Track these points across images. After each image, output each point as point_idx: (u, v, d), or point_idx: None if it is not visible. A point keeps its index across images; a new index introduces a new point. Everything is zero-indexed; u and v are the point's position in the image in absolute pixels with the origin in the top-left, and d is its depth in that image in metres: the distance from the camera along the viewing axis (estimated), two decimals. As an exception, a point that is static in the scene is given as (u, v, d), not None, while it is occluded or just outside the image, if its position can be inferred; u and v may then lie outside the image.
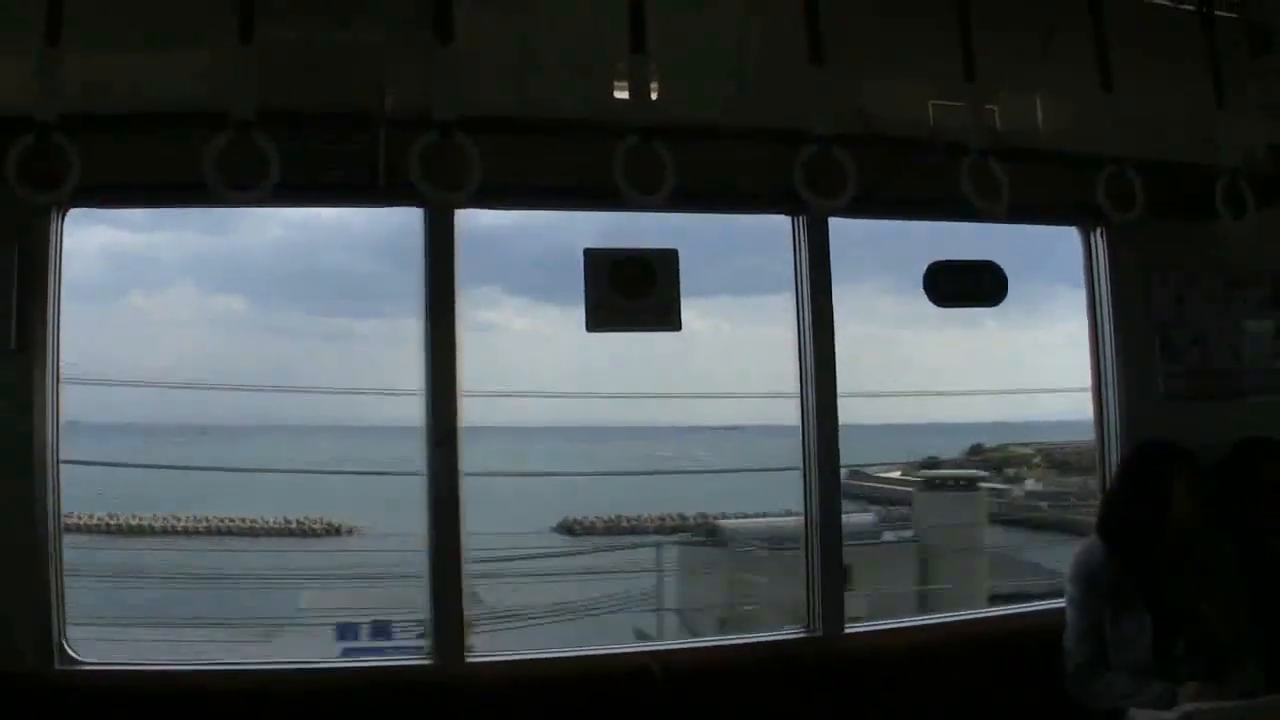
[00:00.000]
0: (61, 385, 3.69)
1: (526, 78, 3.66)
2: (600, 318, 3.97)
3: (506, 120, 3.50)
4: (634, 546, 18.52)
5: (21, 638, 3.54)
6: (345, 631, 12.81)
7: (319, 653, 11.79)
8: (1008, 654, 4.05)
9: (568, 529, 24.20)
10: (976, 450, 20.14)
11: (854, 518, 17.64)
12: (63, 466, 3.71)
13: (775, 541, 13.88)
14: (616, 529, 24.22)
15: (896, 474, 24.48)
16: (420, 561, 3.87)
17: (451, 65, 3.17)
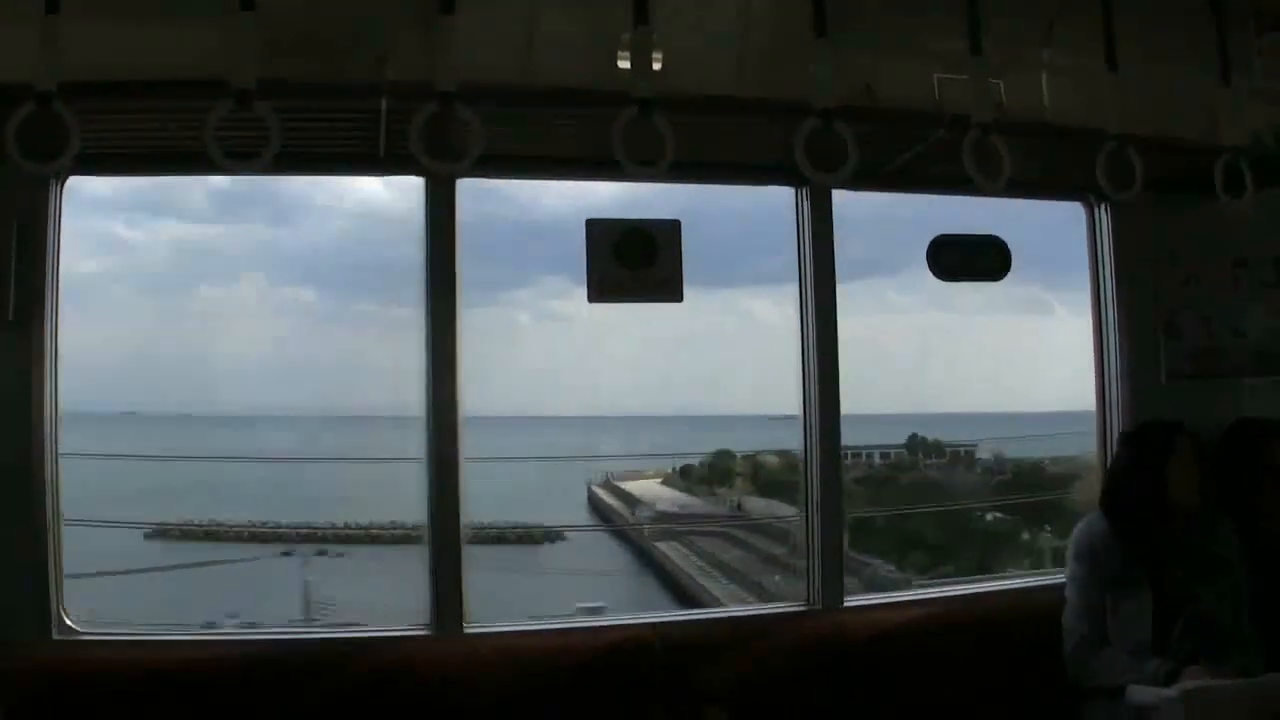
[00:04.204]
0: (60, 355, 3.69)
1: (528, 48, 3.65)
2: (602, 289, 3.98)
3: (508, 91, 3.48)
4: (214, 563, 15.42)
5: (19, 608, 3.55)
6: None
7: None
8: (1006, 630, 4.06)
9: (162, 533, 17.82)
10: (722, 456, 19.00)
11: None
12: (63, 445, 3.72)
13: None
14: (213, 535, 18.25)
15: (655, 482, 20.12)
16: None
17: (453, 35, 3.15)
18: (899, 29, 3.89)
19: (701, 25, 3.71)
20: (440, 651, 3.75)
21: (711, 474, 17.87)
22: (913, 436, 16.41)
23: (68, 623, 3.63)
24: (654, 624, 3.97)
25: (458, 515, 3.89)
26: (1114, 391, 4.61)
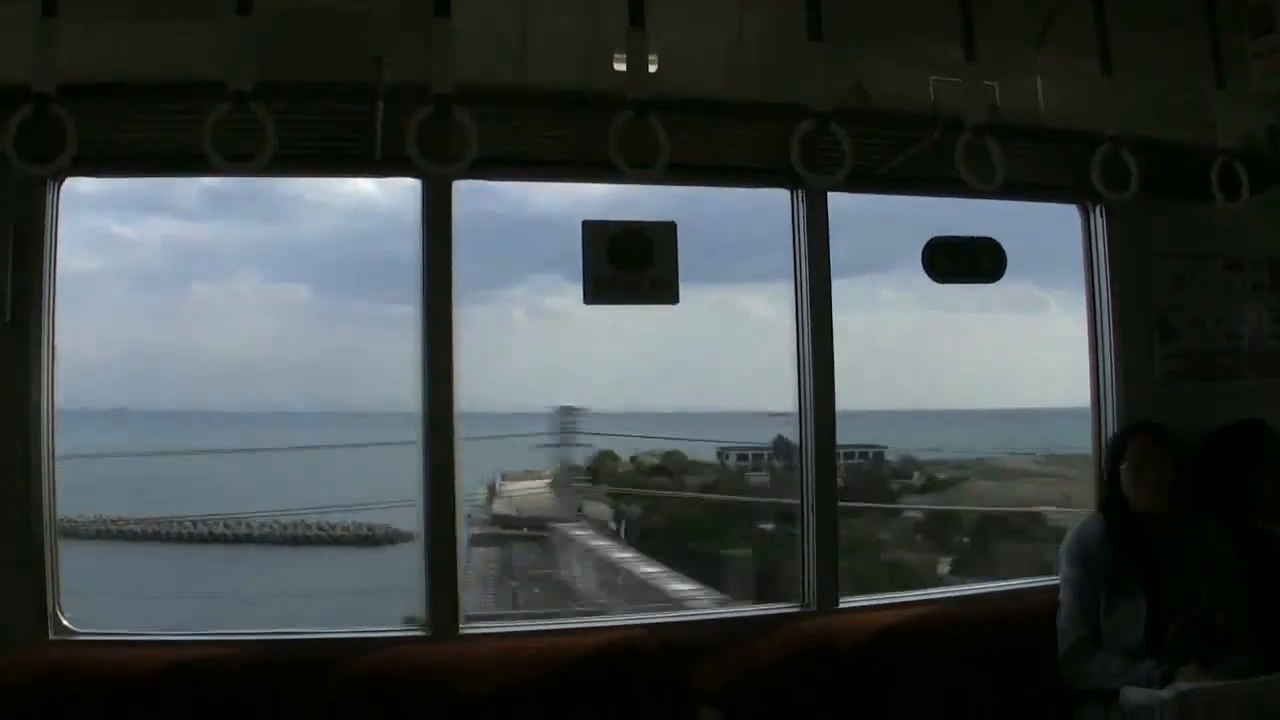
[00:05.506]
0: (56, 356, 3.69)
1: (524, 50, 3.66)
2: (599, 291, 3.97)
3: (504, 92, 3.48)
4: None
5: (16, 609, 3.56)
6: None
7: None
8: (1001, 632, 4.06)
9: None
10: (603, 457, 17.84)
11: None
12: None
13: None
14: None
15: (543, 484, 17.16)
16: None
17: (449, 37, 3.16)
18: (893, 32, 3.90)
19: (695, 28, 3.73)
20: (436, 652, 3.76)
21: (591, 477, 17.16)
22: (779, 437, 15.22)
23: (64, 623, 3.63)
24: (650, 625, 3.98)
25: (454, 517, 3.90)
26: (1109, 395, 4.61)
